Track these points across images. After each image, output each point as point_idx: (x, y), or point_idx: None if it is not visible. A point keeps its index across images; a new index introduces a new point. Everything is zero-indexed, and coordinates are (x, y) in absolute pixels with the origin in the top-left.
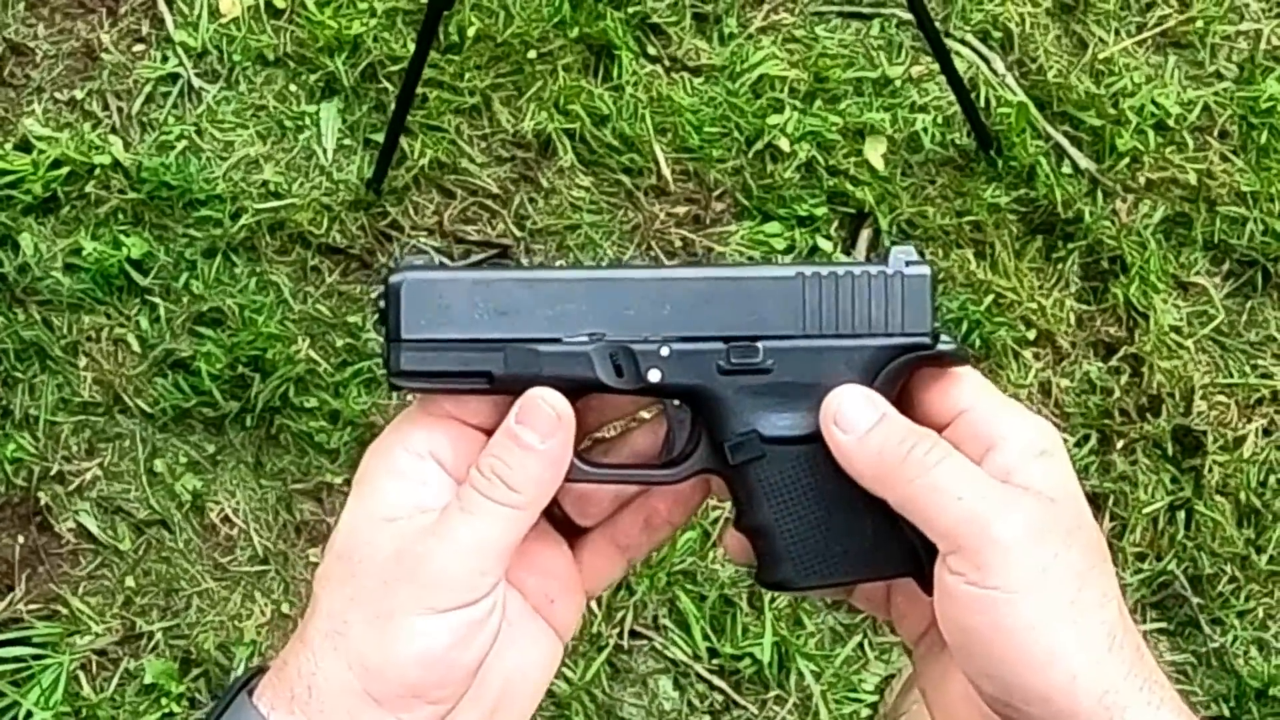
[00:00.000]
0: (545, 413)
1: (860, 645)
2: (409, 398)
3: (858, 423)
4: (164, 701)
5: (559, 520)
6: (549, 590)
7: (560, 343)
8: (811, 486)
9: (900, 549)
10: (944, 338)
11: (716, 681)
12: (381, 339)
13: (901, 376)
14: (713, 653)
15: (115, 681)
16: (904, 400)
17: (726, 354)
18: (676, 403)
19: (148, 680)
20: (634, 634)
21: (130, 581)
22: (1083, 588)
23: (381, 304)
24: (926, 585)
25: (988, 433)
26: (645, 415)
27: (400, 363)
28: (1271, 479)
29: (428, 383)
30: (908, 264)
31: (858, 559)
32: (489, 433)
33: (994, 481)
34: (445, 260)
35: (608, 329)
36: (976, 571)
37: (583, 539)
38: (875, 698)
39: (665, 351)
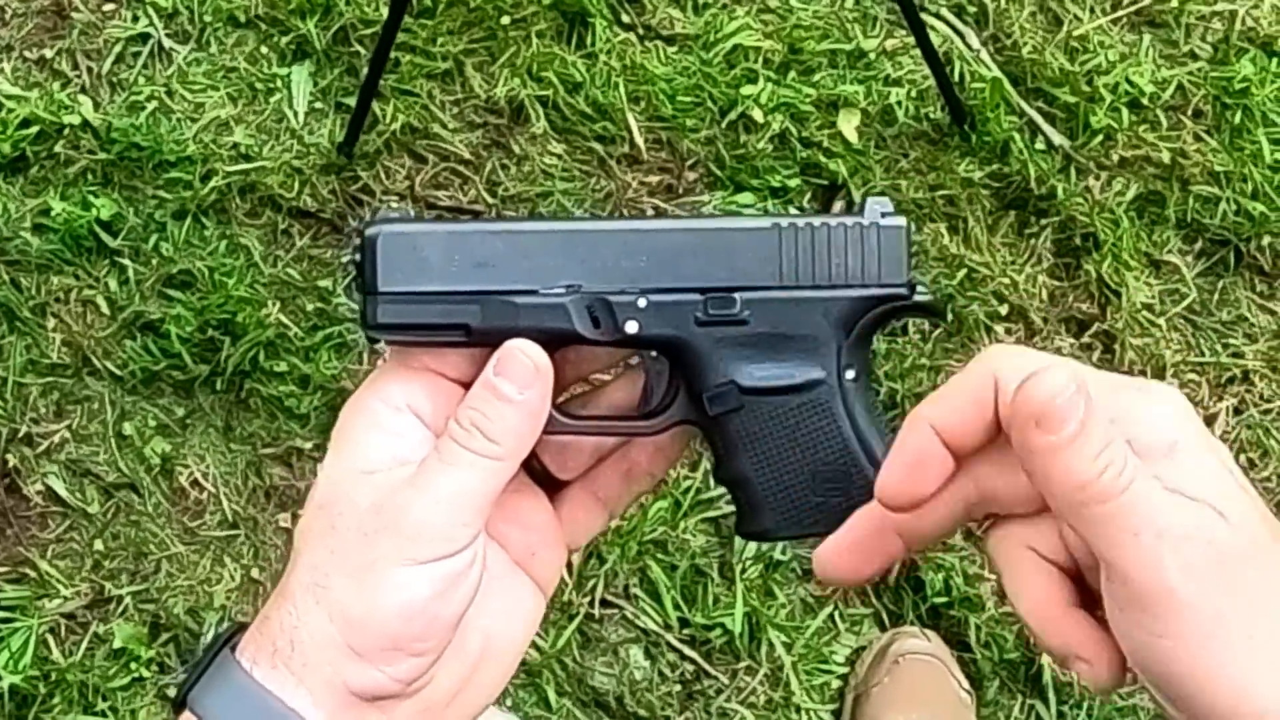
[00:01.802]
0: (523, 364)
1: (831, 617)
2: (382, 350)
3: (1069, 421)
4: (133, 666)
5: (539, 474)
6: (530, 543)
7: (537, 294)
8: (789, 437)
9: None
10: (920, 288)
11: (687, 651)
12: (355, 299)
13: (878, 327)
14: (684, 622)
15: (84, 645)
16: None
17: (704, 305)
18: (654, 354)
19: (117, 644)
20: (605, 603)
21: (99, 545)
22: (1258, 616)
23: (357, 258)
24: None
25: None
26: (623, 367)
27: (377, 315)
28: (1242, 458)
29: (404, 335)
30: (883, 215)
31: (835, 509)
32: (467, 386)
33: (1164, 505)
34: (420, 215)
35: (585, 280)
36: (1148, 619)
37: (563, 492)
38: (846, 669)
39: (642, 303)
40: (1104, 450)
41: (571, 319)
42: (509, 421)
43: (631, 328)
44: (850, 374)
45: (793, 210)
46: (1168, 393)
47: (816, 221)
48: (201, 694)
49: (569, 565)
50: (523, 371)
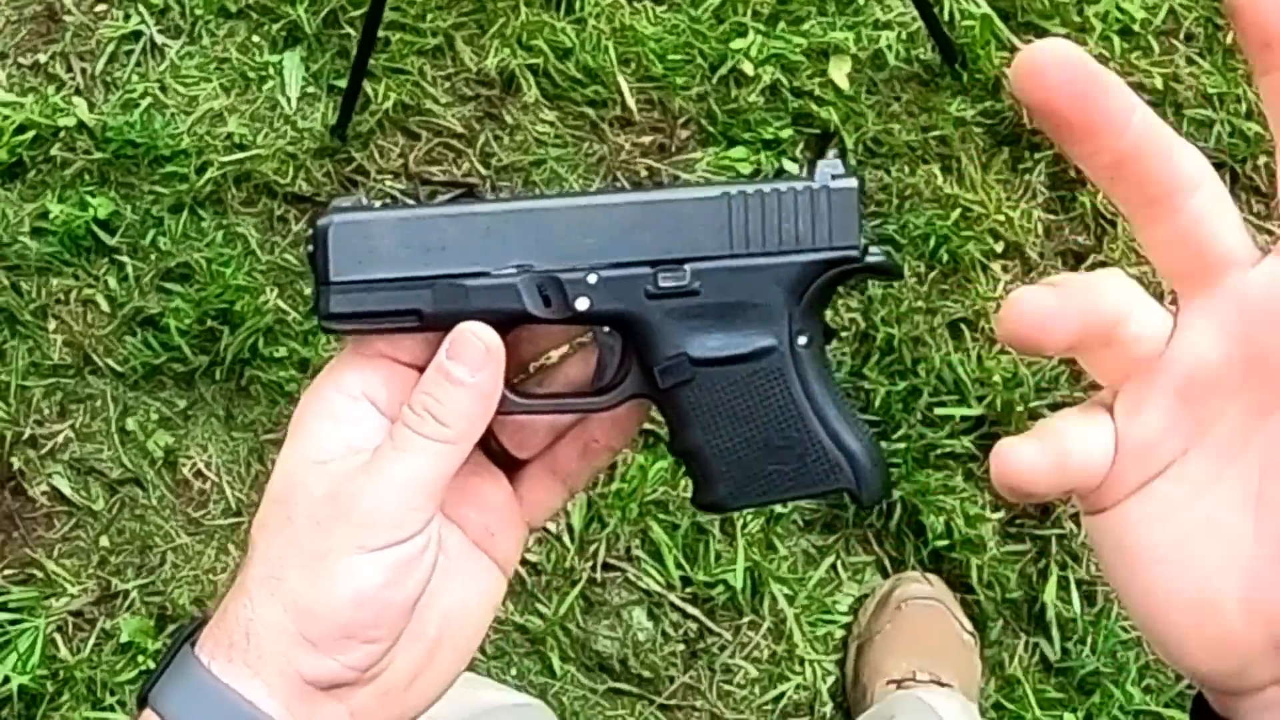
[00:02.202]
0: (475, 346)
1: (833, 567)
2: (338, 340)
3: None
4: (140, 659)
5: (496, 454)
6: (489, 523)
7: (488, 276)
8: (741, 407)
9: (833, 466)
10: (873, 249)
11: (690, 610)
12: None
13: (830, 292)
14: (686, 581)
15: (92, 642)
16: None
17: (654, 278)
18: (606, 329)
19: (124, 639)
20: (606, 566)
21: (105, 541)
22: None
23: (310, 249)
24: (858, 499)
25: None
26: (578, 344)
27: (330, 305)
28: None
29: (358, 324)
30: (834, 177)
31: (790, 477)
32: (423, 370)
33: None
34: (373, 200)
35: (535, 259)
36: None
37: (521, 471)
38: (849, 618)
39: (593, 279)
40: None
41: (522, 299)
42: (460, 404)
43: (582, 304)
44: (803, 340)
45: (745, 178)
46: None
47: (766, 188)
48: (160, 691)
49: (569, 531)
50: (474, 354)
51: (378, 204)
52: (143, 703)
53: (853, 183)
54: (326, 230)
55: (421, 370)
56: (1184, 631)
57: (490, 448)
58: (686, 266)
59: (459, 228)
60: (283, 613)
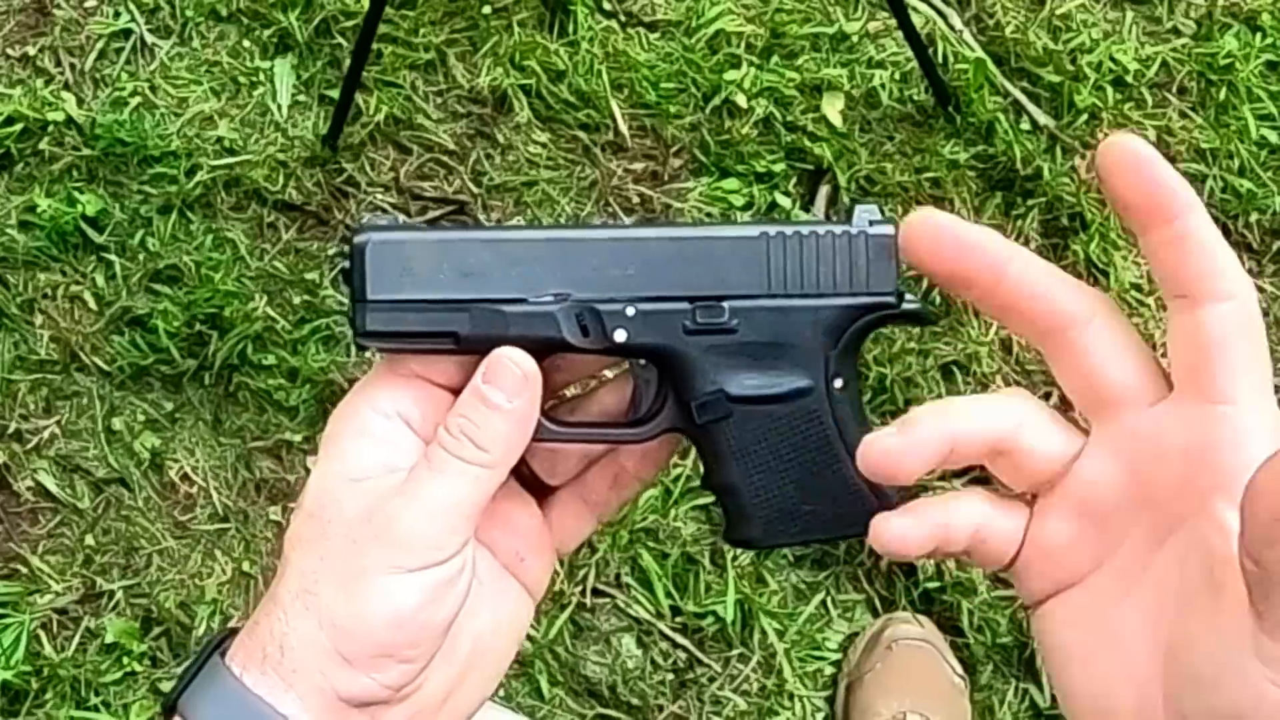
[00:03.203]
0: (512, 372)
1: (823, 603)
2: (372, 355)
3: None
4: (125, 660)
5: (527, 479)
6: (519, 548)
7: (526, 303)
8: (778, 446)
9: (866, 509)
10: (908, 297)
11: (679, 639)
12: (346, 298)
13: (865, 336)
14: (675, 611)
15: (76, 641)
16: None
17: (692, 314)
18: (643, 362)
19: (109, 639)
20: (596, 592)
21: (90, 540)
22: None
23: (346, 264)
24: None
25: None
26: (610, 374)
27: (366, 323)
28: None
29: (393, 343)
30: (871, 223)
31: (823, 518)
32: (456, 392)
33: None
34: (408, 219)
35: (573, 289)
36: None
37: (552, 497)
38: (839, 656)
39: (631, 311)
40: None
41: (560, 327)
42: (498, 429)
43: (620, 336)
44: (839, 382)
45: (779, 215)
46: None
47: (805, 230)
48: (191, 699)
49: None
50: (512, 379)
51: (412, 223)
52: (170, 710)
53: (890, 229)
54: (365, 248)
55: (455, 392)
56: None
57: (521, 473)
58: (725, 304)
59: (497, 253)
60: (318, 628)
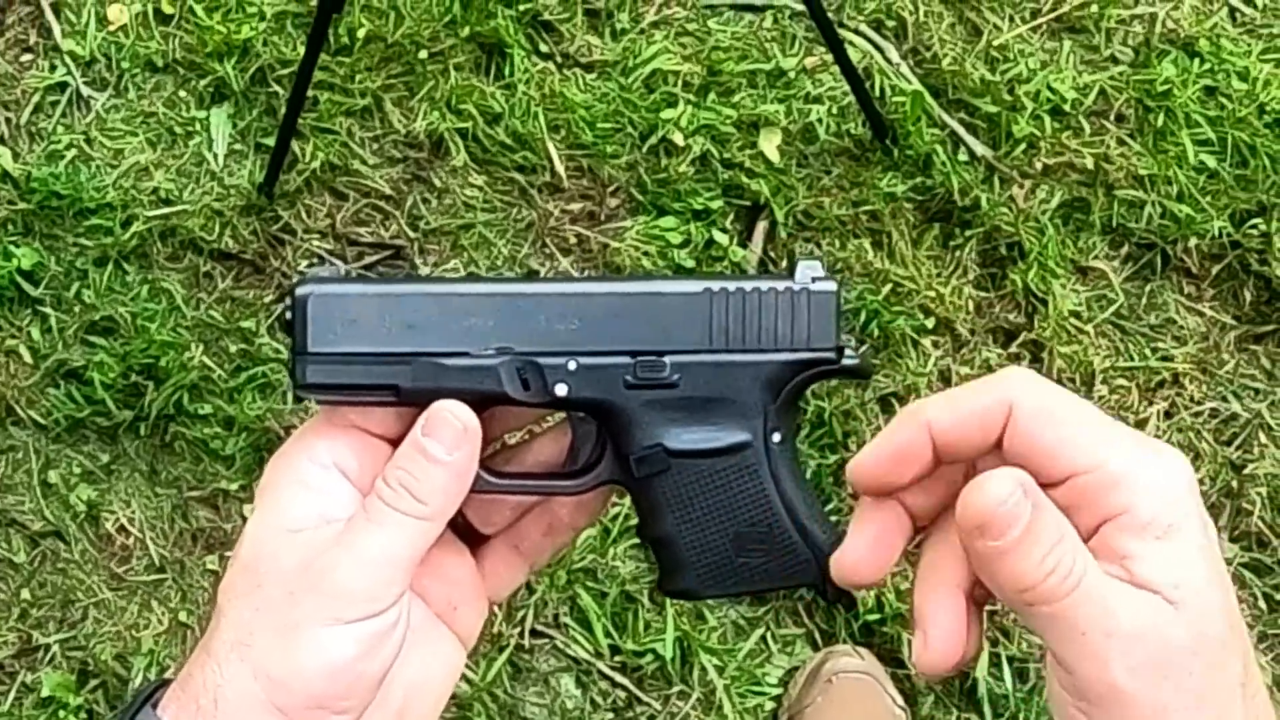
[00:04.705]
0: (452, 425)
1: (763, 638)
2: (310, 403)
3: (1012, 527)
4: (62, 714)
5: (461, 528)
6: (452, 598)
7: (468, 356)
8: (715, 499)
9: (801, 561)
10: (848, 352)
11: (619, 678)
12: (285, 347)
13: (804, 390)
14: (614, 650)
15: (12, 695)
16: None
17: (633, 368)
18: (582, 415)
19: (45, 693)
20: (535, 633)
21: (26, 594)
22: (1202, 710)
23: (288, 315)
24: (823, 594)
25: (1104, 499)
26: (549, 422)
27: (306, 376)
28: None
29: (334, 395)
30: (814, 280)
31: (760, 570)
32: (394, 443)
33: (1116, 603)
34: (351, 271)
35: (515, 343)
36: (1088, 706)
37: (485, 546)
38: (779, 690)
39: (572, 366)
40: (1051, 552)
41: (502, 381)
42: (437, 482)
43: (561, 390)
44: (777, 437)
45: (725, 270)
46: (1178, 464)
47: (748, 286)
48: None
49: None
50: (451, 433)
51: (355, 275)
52: None
53: (832, 286)
54: (306, 300)
55: (393, 443)
56: None
57: (455, 522)
58: (666, 359)
59: (440, 306)
60: (252, 680)
